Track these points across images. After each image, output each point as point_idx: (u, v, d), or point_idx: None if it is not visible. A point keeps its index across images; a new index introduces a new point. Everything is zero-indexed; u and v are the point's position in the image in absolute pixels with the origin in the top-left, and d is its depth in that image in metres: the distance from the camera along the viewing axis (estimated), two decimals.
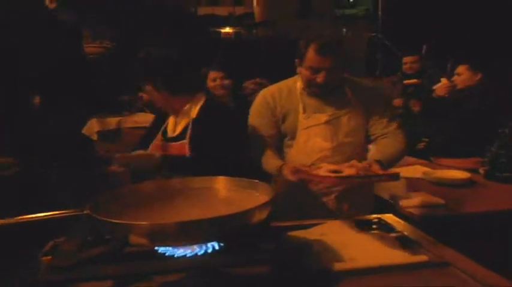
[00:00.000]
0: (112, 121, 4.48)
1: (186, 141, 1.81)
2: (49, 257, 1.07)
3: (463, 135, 2.85)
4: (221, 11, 8.81)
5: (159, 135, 1.93)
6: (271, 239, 1.10)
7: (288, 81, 2.05)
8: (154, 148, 1.88)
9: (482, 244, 1.86)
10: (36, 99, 4.13)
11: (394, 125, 1.96)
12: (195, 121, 1.83)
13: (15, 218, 1.07)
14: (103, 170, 2.77)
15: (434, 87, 3.19)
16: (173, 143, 1.84)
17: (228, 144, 1.72)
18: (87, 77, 4.32)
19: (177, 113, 1.91)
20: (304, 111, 1.95)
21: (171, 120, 1.93)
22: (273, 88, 2.05)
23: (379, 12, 7.59)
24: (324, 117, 1.94)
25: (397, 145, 1.94)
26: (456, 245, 1.35)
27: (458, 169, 2.72)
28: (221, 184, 1.31)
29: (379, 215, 1.67)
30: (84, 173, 2.48)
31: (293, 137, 1.97)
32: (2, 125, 2.43)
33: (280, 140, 2.01)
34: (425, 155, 3.13)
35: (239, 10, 9.01)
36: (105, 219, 0.97)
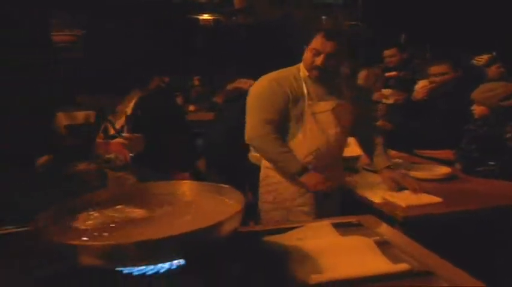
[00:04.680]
0: (80, 115, 4.27)
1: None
2: None
3: (443, 129, 2.81)
4: None
5: (100, 134, 2.09)
6: (245, 251, 1.00)
7: (291, 69, 2.10)
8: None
9: (472, 242, 1.83)
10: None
11: (374, 121, 2.28)
12: (130, 118, 1.98)
13: None
14: (72, 169, 2.64)
15: (415, 87, 3.15)
16: (112, 141, 1.93)
17: (169, 138, 1.90)
18: (55, 67, 4.11)
19: (114, 111, 2.14)
20: (309, 98, 2.03)
21: (111, 118, 2.13)
22: (275, 75, 2.08)
23: (359, 1, 7.51)
24: (330, 105, 2.06)
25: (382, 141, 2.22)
26: (444, 245, 1.28)
27: (439, 160, 2.69)
28: (186, 188, 1.20)
29: (359, 217, 1.60)
30: (54, 173, 2.36)
31: (297, 122, 2.04)
32: None
33: (282, 127, 2.06)
34: (408, 148, 3.08)
35: None
36: (50, 240, 0.85)
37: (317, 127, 2.03)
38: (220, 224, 0.92)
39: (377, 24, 7.43)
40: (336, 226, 1.51)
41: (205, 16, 9.23)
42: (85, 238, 0.96)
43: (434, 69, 3.10)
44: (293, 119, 2.04)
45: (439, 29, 5.91)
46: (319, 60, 1.97)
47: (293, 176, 2.04)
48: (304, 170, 2.01)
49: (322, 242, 1.39)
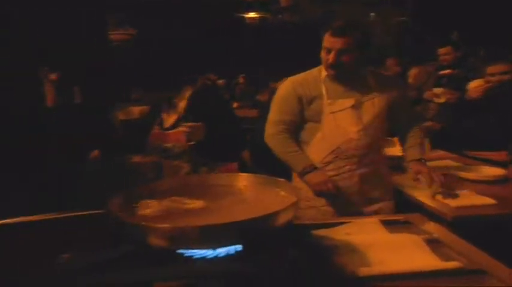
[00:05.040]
0: (135, 110, 4.45)
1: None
2: (67, 256, 1.05)
3: (499, 129, 2.72)
4: None
5: (156, 126, 2.23)
6: (296, 242, 1.05)
7: (313, 71, 2.13)
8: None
9: None
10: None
11: (415, 115, 2.18)
12: (185, 111, 2.14)
13: (39, 215, 1.06)
14: (128, 162, 2.79)
15: (468, 86, 3.05)
16: (170, 132, 2.14)
17: (221, 129, 2.06)
18: (112, 65, 4.32)
19: (168, 104, 2.24)
20: (329, 97, 2.03)
21: (164, 111, 2.26)
22: (299, 77, 2.14)
23: None
24: (349, 103, 2.02)
25: (417, 133, 2.14)
26: (496, 249, 1.26)
27: (493, 161, 2.60)
28: (243, 181, 1.26)
29: (407, 215, 1.60)
30: (111, 165, 2.51)
31: (316, 121, 2.05)
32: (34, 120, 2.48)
33: (298, 127, 2.11)
34: (459, 148, 3.01)
35: None
36: (124, 220, 0.94)
37: (336, 125, 2.00)
38: (277, 213, 0.98)
39: (427, 21, 7.22)
40: (384, 223, 1.52)
41: (252, 14, 9.33)
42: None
43: (492, 68, 2.98)
44: (311, 120, 2.06)
45: (490, 27, 5.68)
46: (330, 58, 1.95)
47: (300, 175, 2.05)
48: (311, 169, 2.00)
49: (370, 237, 1.41)
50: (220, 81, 6.87)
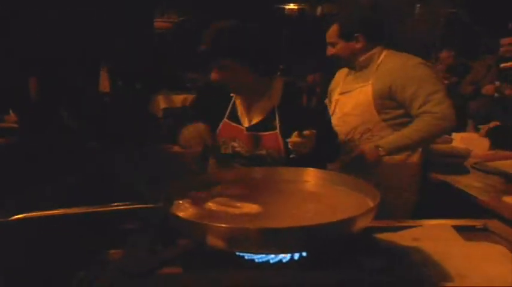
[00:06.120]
0: (178, 98, 4.42)
1: (277, 131, 1.56)
2: (118, 252, 0.96)
3: None
4: None
5: (233, 124, 1.66)
6: (376, 254, 0.91)
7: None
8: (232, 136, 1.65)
9: None
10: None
11: (427, 106, 1.89)
12: (281, 109, 1.59)
13: (85, 207, 0.97)
14: (168, 151, 2.72)
15: None
16: (265, 134, 1.57)
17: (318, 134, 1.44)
18: (156, 52, 4.30)
19: (250, 95, 1.64)
20: (342, 87, 2.14)
21: (240, 106, 1.67)
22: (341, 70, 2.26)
23: None
24: (339, 91, 2.13)
25: (419, 126, 1.91)
26: None
27: None
28: (310, 177, 1.11)
29: (484, 221, 1.43)
30: (150, 155, 2.43)
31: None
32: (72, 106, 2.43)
33: None
34: None
35: None
36: (183, 218, 0.83)
37: (331, 112, 2.08)
38: (353, 220, 0.84)
39: (478, 12, 6.81)
40: (458, 229, 1.36)
41: (291, 5, 9.14)
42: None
43: None
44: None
45: None
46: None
47: None
48: None
49: (443, 245, 1.25)
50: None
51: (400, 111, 1.97)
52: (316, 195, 1.08)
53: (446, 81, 3.66)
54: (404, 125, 1.96)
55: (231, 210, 1.02)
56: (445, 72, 3.81)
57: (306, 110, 1.56)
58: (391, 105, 1.97)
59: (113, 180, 2.07)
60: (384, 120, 1.99)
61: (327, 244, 0.90)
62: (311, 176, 1.13)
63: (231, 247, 0.88)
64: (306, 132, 1.32)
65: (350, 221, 0.84)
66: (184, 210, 1.00)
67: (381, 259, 1.11)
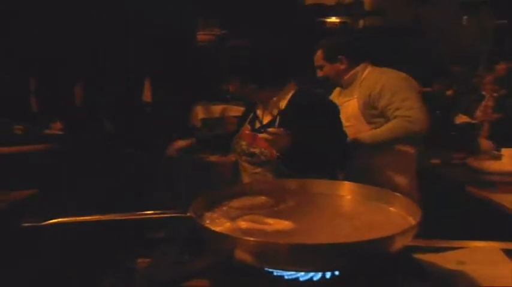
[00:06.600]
0: (217, 109, 4.48)
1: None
2: (146, 261, 0.94)
3: None
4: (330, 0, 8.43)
5: (247, 125, 1.88)
6: (418, 277, 0.84)
7: None
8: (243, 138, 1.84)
9: None
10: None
11: (400, 111, 2.09)
12: (282, 113, 1.74)
13: (118, 214, 0.96)
14: (203, 160, 2.73)
15: None
16: (260, 135, 1.66)
17: (319, 138, 1.57)
18: (197, 64, 4.38)
19: (265, 104, 1.83)
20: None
21: (259, 111, 1.87)
22: None
23: None
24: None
25: (390, 126, 2.13)
26: None
27: None
28: (346, 191, 1.06)
29: None
30: (183, 163, 2.45)
31: None
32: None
33: None
34: None
35: None
36: (211, 229, 0.81)
37: None
38: (389, 239, 0.78)
39: None
40: (507, 252, 1.26)
41: (333, 19, 9.07)
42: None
43: None
44: None
45: None
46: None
47: None
48: None
49: (492, 271, 1.16)
50: None
51: (383, 120, 2.17)
52: (352, 211, 1.03)
53: (495, 94, 3.48)
54: None
55: (262, 227, 0.98)
56: (493, 84, 3.61)
57: (309, 114, 1.66)
58: (375, 114, 2.18)
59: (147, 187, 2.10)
60: (374, 129, 2.20)
61: (361, 263, 0.85)
62: (346, 190, 1.08)
63: (260, 263, 0.85)
64: (271, 129, 1.48)
65: (388, 239, 0.79)
66: (215, 222, 0.99)
67: (424, 283, 1.04)
